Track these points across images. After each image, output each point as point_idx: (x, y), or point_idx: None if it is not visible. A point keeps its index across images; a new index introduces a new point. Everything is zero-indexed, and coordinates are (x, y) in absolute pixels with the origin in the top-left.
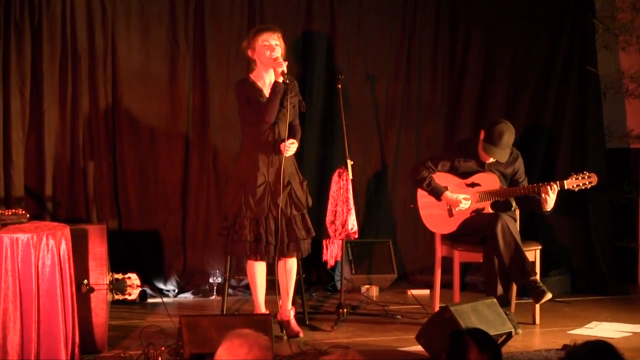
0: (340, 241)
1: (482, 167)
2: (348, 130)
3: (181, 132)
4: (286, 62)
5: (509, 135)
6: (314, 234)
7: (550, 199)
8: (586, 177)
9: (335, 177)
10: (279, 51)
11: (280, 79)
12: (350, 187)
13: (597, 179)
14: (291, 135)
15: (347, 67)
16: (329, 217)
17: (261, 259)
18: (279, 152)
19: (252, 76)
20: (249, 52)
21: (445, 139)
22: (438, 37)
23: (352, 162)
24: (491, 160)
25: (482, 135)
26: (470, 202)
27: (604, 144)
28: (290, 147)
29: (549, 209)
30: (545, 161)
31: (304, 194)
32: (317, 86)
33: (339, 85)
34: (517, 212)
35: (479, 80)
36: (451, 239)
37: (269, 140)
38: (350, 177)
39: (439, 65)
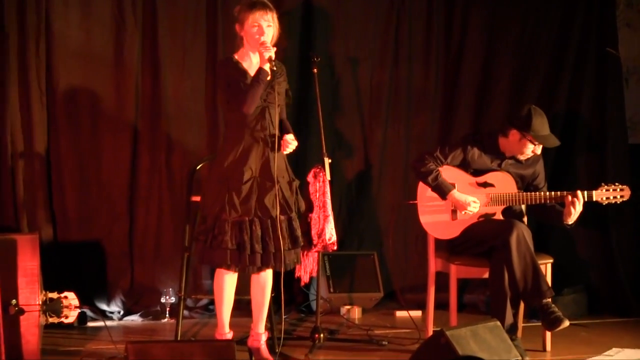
0: (316, 253)
1: (499, 166)
2: (325, 122)
3: (128, 124)
4: (275, 48)
5: (544, 116)
6: (302, 244)
7: (575, 210)
8: (618, 190)
9: (310, 178)
10: (269, 35)
11: (267, 66)
12: (327, 189)
13: (630, 193)
14: (285, 130)
15: (324, 48)
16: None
17: (242, 270)
18: (271, 144)
19: (237, 55)
20: (237, 27)
21: (441, 132)
22: (432, 13)
23: (330, 160)
24: (526, 150)
25: (515, 135)
26: (478, 205)
27: (626, 139)
28: (292, 143)
29: (571, 223)
30: (557, 160)
31: (292, 195)
32: (289, 71)
33: (315, 70)
34: (525, 219)
35: (479, 63)
36: (448, 250)
37: (257, 129)
38: (328, 178)
39: (433, 46)
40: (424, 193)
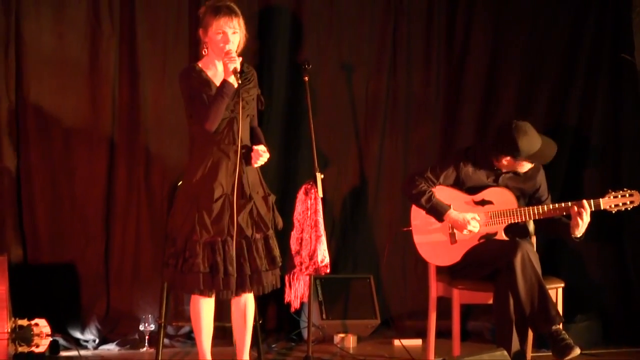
0: (308, 277)
1: (495, 181)
2: (317, 134)
3: (104, 136)
4: (241, 58)
5: (530, 129)
6: (280, 263)
7: (582, 222)
8: (627, 196)
9: (300, 195)
10: (235, 43)
11: (232, 78)
12: (320, 207)
13: None
14: (256, 140)
15: (316, 54)
16: (293, 246)
17: (217, 295)
18: (241, 156)
19: (201, 63)
20: (200, 33)
21: (442, 145)
22: (432, 15)
23: (322, 176)
24: (524, 167)
25: (508, 159)
26: (479, 224)
27: None
28: (263, 155)
29: (579, 235)
30: (568, 175)
31: (269, 211)
32: (277, 78)
33: (306, 77)
34: (534, 239)
35: (484, 70)
36: (450, 274)
37: (225, 142)
38: (321, 194)
39: (434, 51)
40: (418, 217)
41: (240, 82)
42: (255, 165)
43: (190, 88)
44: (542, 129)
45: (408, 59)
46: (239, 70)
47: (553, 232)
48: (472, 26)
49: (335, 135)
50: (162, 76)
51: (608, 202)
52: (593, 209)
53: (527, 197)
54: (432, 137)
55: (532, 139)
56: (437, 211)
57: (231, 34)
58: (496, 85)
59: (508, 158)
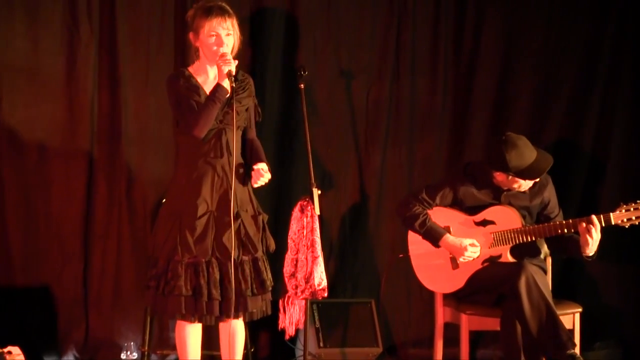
0: (303, 301)
1: (497, 199)
2: (314, 146)
3: (82, 149)
4: (237, 61)
5: (521, 141)
6: (271, 288)
7: (592, 239)
8: None
9: (296, 212)
10: (229, 45)
11: (226, 82)
12: (316, 226)
13: None
14: (255, 157)
15: (312, 60)
16: (287, 268)
17: (200, 320)
18: (234, 172)
19: (192, 69)
20: (190, 37)
21: (449, 158)
22: (439, 18)
23: (319, 192)
24: (522, 186)
25: (501, 175)
26: (478, 249)
27: None
28: (265, 175)
29: (590, 254)
30: (585, 192)
31: (258, 231)
32: (270, 86)
33: (302, 85)
34: (549, 260)
35: (495, 78)
36: (457, 299)
37: (212, 155)
38: (317, 212)
39: (441, 57)
40: (416, 241)
41: (234, 85)
42: (255, 186)
43: (177, 93)
44: (557, 144)
45: (412, 65)
46: (234, 73)
47: (565, 251)
48: (482, 31)
49: (333, 148)
50: (145, 84)
51: (620, 217)
52: (604, 224)
53: (535, 215)
54: (438, 150)
55: (522, 153)
56: (432, 236)
57: (225, 36)
58: (508, 94)
59: (499, 174)
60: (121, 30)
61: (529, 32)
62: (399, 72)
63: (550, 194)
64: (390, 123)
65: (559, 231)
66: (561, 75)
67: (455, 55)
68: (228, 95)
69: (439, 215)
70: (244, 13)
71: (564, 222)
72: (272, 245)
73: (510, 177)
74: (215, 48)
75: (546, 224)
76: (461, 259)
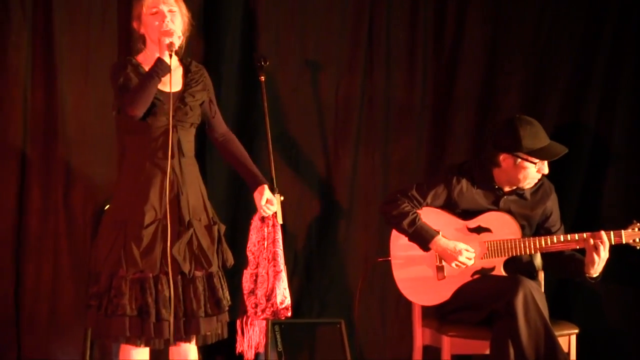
0: (264, 322)
1: (495, 204)
2: (276, 146)
3: (14, 149)
4: (182, 38)
5: (536, 123)
6: (228, 308)
7: (599, 258)
8: None
9: (255, 221)
10: (176, 22)
11: (167, 57)
12: (279, 237)
13: None
14: (247, 172)
15: (274, 49)
16: (246, 285)
17: (147, 344)
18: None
19: (139, 58)
20: (134, 24)
21: (429, 161)
22: (417, 5)
23: (282, 198)
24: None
25: (507, 159)
26: (473, 256)
27: None
28: (271, 208)
29: (595, 275)
30: (583, 197)
31: (213, 244)
32: (227, 78)
33: (262, 77)
34: (542, 274)
35: (480, 70)
36: (440, 316)
37: (160, 156)
38: (280, 221)
39: (419, 46)
40: (399, 245)
41: (172, 52)
42: (265, 214)
43: (122, 78)
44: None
45: (387, 55)
46: (176, 47)
47: (562, 270)
48: (466, 17)
49: (298, 149)
50: (85, 77)
51: (632, 236)
52: (613, 242)
53: (535, 227)
54: (417, 152)
55: (537, 132)
56: (422, 237)
57: (167, 12)
58: (495, 88)
59: (508, 157)
60: (58, 15)
61: (519, 18)
62: (372, 63)
63: (553, 204)
64: (363, 121)
65: (563, 246)
66: (555, 67)
67: (436, 44)
68: (169, 69)
69: (429, 217)
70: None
71: (568, 236)
72: (230, 260)
73: (519, 161)
74: (157, 23)
75: (549, 237)
76: (453, 265)
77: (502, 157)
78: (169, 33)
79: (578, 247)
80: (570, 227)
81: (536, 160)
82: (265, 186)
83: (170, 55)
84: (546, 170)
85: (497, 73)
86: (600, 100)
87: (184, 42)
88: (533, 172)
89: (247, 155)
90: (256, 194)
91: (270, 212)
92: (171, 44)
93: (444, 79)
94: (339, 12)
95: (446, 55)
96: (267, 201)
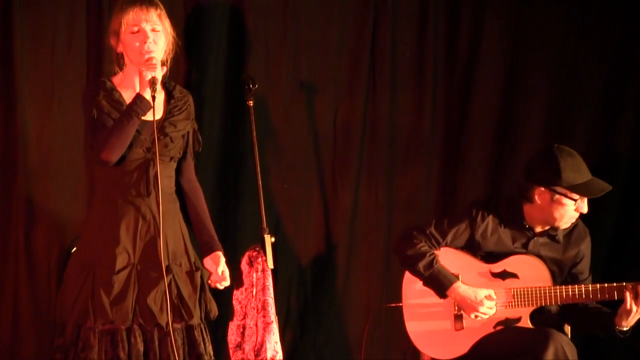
0: None
1: (525, 246)
2: (266, 180)
3: None
4: (165, 68)
5: (577, 155)
6: None
7: (635, 309)
8: None
9: (243, 265)
10: (158, 45)
11: (148, 93)
12: (269, 283)
13: None
14: (202, 230)
15: (264, 70)
16: (232, 338)
17: None
18: (160, 215)
19: (116, 81)
20: (112, 42)
21: (440, 196)
22: (426, 16)
23: (273, 239)
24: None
25: (543, 194)
26: (494, 305)
27: None
28: (223, 282)
29: (625, 328)
30: (615, 238)
31: (195, 292)
32: (210, 102)
33: (250, 102)
34: (568, 331)
35: (497, 91)
36: None
37: (133, 193)
38: (271, 265)
39: (428, 67)
40: (413, 289)
41: (154, 95)
42: (221, 287)
43: (95, 108)
44: None
45: (392, 76)
46: (158, 81)
47: (587, 323)
48: (481, 31)
49: (291, 183)
50: (50, 100)
51: None
52: None
53: (565, 273)
54: (425, 186)
55: (579, 165)
56: (440, 283)
57: (150, 31)
58: (515, 114)
59: (545, 192)
60: (19, 30)
61: (542, 32)
62: (375, 85)
63: (586, 250)
64: (364, 151)
65: (597, 296)
66: (583, 89)
67: (447, 63)
68: (150, 108)
69: (448, 260)
70: (177, 11)
71: (605, 285)
72: (214, 310)
73: (556, 197)
74: (137, 44)
75: (583, 286)
76: (472, 316)
77: (537, 191)
78: (152, 66)
79: (616, 297)
80: (600, 273)
81: (576, 197)
82: (221, 255)
83: (153, 94)
84: (585, 209)
85: (516, 96)
86: (635, 127)
87: (169, 64)
88: (571, 210)
89: (208, 213)
90: (208, 262)
91: (222, 287)
92: (154, 80)
93: (457, 102)
94: (338, 26)
95: (459, 76)
96: (222, 273)
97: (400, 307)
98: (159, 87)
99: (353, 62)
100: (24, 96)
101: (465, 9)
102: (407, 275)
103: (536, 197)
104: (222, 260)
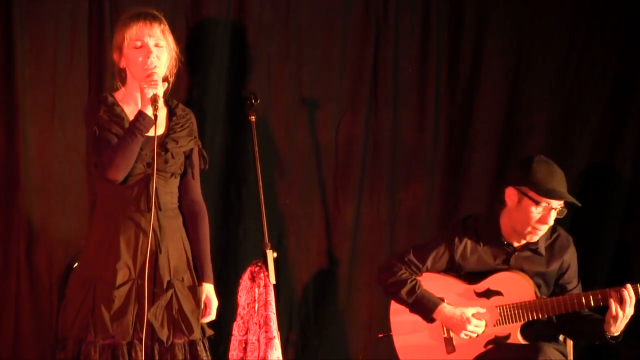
0: None
1: (506, 262)
2: (268, 195)
3: None
4: (166, 84)
5: (554, 165)
6: None
7: (623, 314)
8: None
9: (245, 281)
10: (161, 61)
11: (149, 110)
12: (271, 298)
13: None
14: (199, 257)
15: (266, 85)
16: (234, 353)
17: None
18: (161, 231)
19: (118, 96)
20: (115, 57)
21: (442, 210)
22: (428, 31)
23: (275, 255)
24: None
25: (511, 195)
26: (484, 322)
27: None
28: (208, 316)
29: (616, 333)
30: (618, 253)
31: (197, 307)
32: (211, 119)
33: (252, 117)
34: (570, 343)
35: (500, 107)
36: None
37: (132, 209)
38: (273, 281)
39: (430, 82)
40: (400, 316)
41: (157, 113)
42: (206, 320)
43: (96, 124)
44: (583, 191)
45: (395, 92)
46: (159, 97)
47: (579, 332)
48: (484, 47)
49: (293, 198)
50: (51, 115)
51: None
52: (637, 296)
53: (552, 285)
54: (428, 202)
55: (553, 173)
56: (424, 307)
57: (153, 46)
58: (517, 130)
59: (511, 192)
60: (20, 44)
61: (544, 47)
62: (377, 100)
63: (571, 258)
64: (366, 166)
65: (583, 305)
66: (586, 104)
67: (450, 78)
68: (152, 124)
69: (430, 284)
70: (178, 24)
71: (589, 294)
72: (208, 331)
73: (523, 199)
74: (140, 59)
75: (568, 296)
76: (462, 335)
77: (507, 192)
78: (153, 82)
79: (601, 304)
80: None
81: (539, 200)
82: (211, 287)
83: (155, 112)
84: (549, 221)
85: (519, 112)
86: (638, 144)
87: (172, 79)
88: (535, 216)
89: (208, 239)
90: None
91: (207, 320)
92: (155, 98)
93: (459, 118)
94: (340, 41)
95: (461, 91)
96: (204, 306)
97: (391, 337)
98: (160, 103)
99: (355, 77)
100: (25, 111)
101: (468, 25)
102: (393, 307)
103: (506, 199)
104: (211, 291)
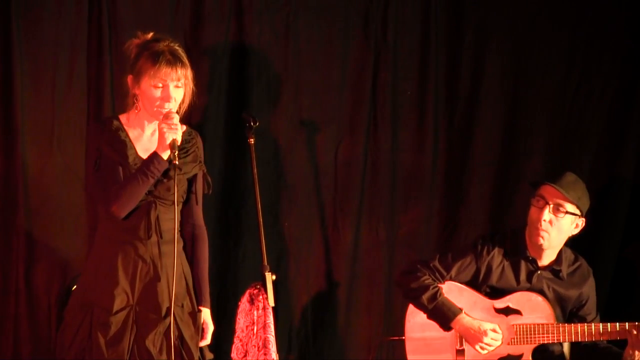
0: None
1: (528, 279)
2: (267, 218)
3: None
4: (184, 127)
5: (575, 178)
6: None
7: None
8: None
9: (244, 303)
10: (177, 100)
11: (166, 154)
12: (270, 321)
13: None
14: (198, 283)
15: (265, 107)
16: None
17: None
18: (161, 258)
19: (124, 118)
20: (129, 80)
21: (441, 233)
22: (427, 54)
23: (274, 277)
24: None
25: (534, 197)
26: (501, 337)
27: None
28: (204, 340)
29: None
30: (618, 272)
31: (197, 333)
32: (211, 139)
33: (251, 140)
34: None
35: (499, 129)
36: None
37: (131, 234)
38: (272, 303)
39: (429, 105)
40: (415, 323)
41: (176, 162)
42: (204, 343)
43: (98, 150)
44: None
45: (394, 114)
46: (178, 143)
47: None
48: (483, 70)
49: (292, 220)
50: (50, 138)
51: None
52: None
53: (568, 312)
54: (427, 224)
55: (576, 182)
56: (444, 314)
57: (173, 88)
58: (516, 152)
59: (534, 194)
60: (19, 70)
61: (544, 70)
62: (376, 122)
63: (590, 290)
64: (365, 189)
65: (600, 336)
66: (585, 126)
67: (448, 101)
68: (166, 167)
69: (452, 294)
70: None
71: (608, 325)
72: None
73: (542, 191)
74: (158, 103)
75: (586, 325)
76: (477, 347)
77: (534, 195)
78: (174, 128)
79: (619, 338)
80: (602, 314)
81: (535, 194)
82: (208, 312)
83: (175, 162)
84: (545, 216)
85: (518, 134)
86: (637, 167)
87: (184, 110)
88: (532, 215)
89: (207, 263)
90: None
91: (202, 344)
92: (174, 143)
93: (458, 140)
94: (339, 64)
95: (460, 113)
96: (203, 331)
97: (403, 341)
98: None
99: (354, 99)
100: (25, 134)
101: (467, 47)
102: (410, 309)
103: (533, 201)
104: (208, 316)
